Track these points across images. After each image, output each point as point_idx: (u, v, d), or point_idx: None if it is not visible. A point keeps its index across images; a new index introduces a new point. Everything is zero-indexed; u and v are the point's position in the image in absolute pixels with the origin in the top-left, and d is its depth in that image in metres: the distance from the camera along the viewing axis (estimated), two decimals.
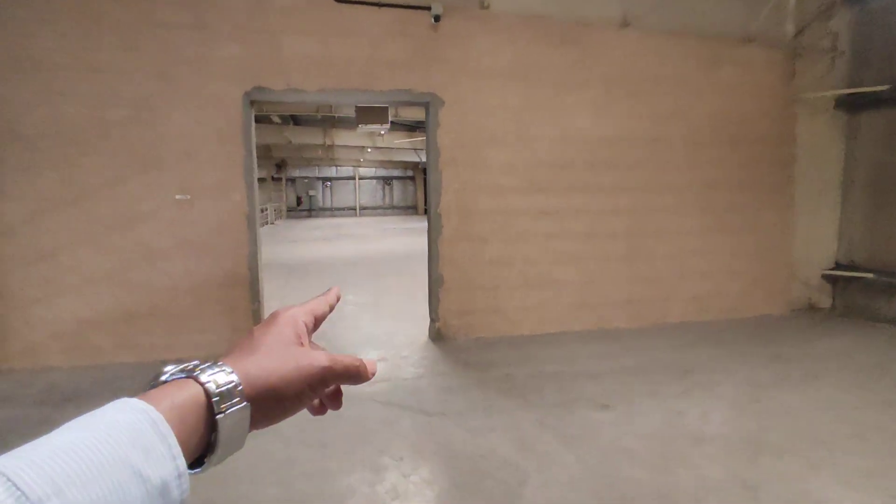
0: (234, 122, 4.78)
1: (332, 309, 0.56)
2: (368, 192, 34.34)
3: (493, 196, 5.29)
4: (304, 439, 3.34)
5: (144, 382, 0.41)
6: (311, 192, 32.71)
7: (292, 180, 32.70)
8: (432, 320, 5.37)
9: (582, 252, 5.55)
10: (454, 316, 5.35)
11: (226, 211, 4.86)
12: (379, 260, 12.14)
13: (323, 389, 0.48)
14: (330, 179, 33.56)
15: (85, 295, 4.73)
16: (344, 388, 0.54)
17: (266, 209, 26.38)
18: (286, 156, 27.89)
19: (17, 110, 4.49)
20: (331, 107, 12.16)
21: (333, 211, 33.72)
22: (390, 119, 11.43)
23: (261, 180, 30.89)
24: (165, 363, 0.43)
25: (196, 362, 0.42)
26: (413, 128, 19.98)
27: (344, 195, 33.93)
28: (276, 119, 15.33)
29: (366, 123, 11.21)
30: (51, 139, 4.57)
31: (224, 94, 4.75)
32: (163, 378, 0.41)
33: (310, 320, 0.52)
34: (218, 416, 0.39)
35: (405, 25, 5.01)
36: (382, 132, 17.60)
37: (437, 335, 5.34)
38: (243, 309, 4.95)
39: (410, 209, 34.69)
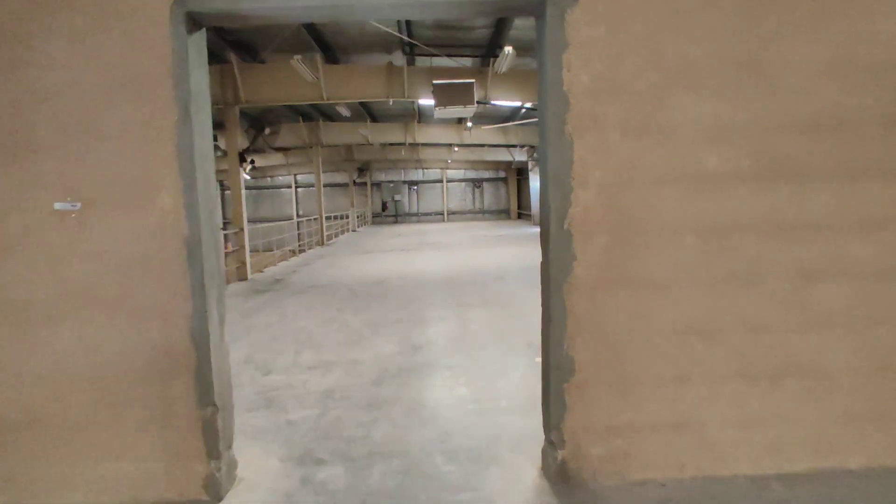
0: (158, 60, 2.43)
1: None
2: (457, 196, 32.15)
3: (683, 193, 2.51)
4: None
5: None
6: (397, 197, 31.09)
7: (377, 185, 31.29)
8: (551, 444, 2.69)
9: (870, 308, 2.60)
10: (596, 437, 2.64)
11: (146, 231, 2.51)
12: (465, 280, 9.61)
13: None
14: (416, 183, 31.78)
15: None
16: None
17: (347, 216, 24.99)
18: (370, 158, 26.38)
19: None
20: (403, 89, 9.83)
21: (420, 216, 31.87)
22: (476, 100, 8.87)
23: (342, 185, 29.79)
24: None
25: None
26: (507, 118, 17.30)
27: (431, 199, 32.00)
28: (345, 112, 13.34)
29: (445, 106, 8.76)
30: None
31: (139, 4, 2.42)
32: None
33: None
34: None
35: None
36: (469, 123, 15.11)
37: (562, 474, 2.66)
38: (185, 416, 2.58)
39: (502, 213, 32.04)
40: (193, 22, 2.47)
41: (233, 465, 2.79)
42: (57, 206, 2.47)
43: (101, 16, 2.42)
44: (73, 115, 2.46)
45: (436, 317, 6.69)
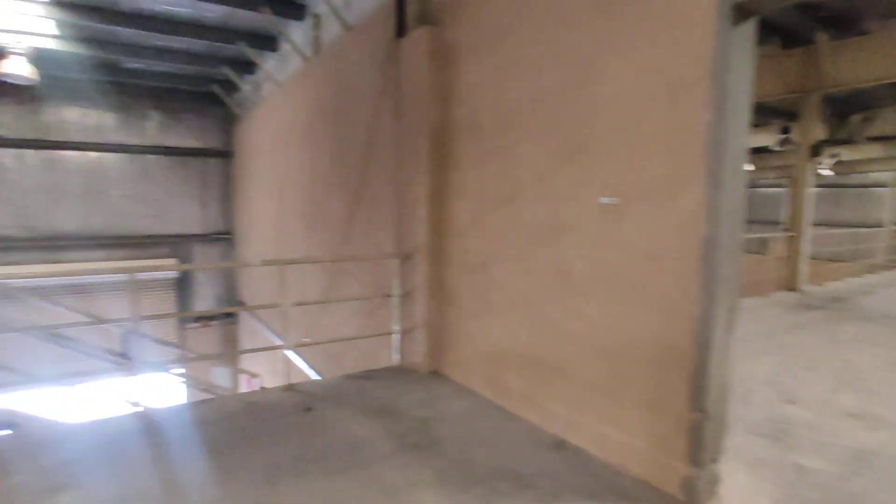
0: (697, 60, 2.43)
1: None
2: None
3: None
4: None
5: None
6: None
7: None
8: None
9: None
10: None
11: (666, 228, 2.62)
12: None
13: None
14: None
15: (506, 320, 3.72)
16: None
17: None
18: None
19: (480, 97, 3.87)
20: None
21: None
22: None
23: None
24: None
25: None
26: None
27: None
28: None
29: None
30: (494, 125, 3.72)
31: (683, 6, 2.48)
32: None
33: None
34: None
35: None
36: None
37: None
38: (673, 413, 2.62)
39: None
40: (740, 12, 2.34)
41: (714, 480, 2.64)
42: (603, 200, 2.92)
43: (650, 30, 2.64)
44: (619, 119, 2.82)
45: None
